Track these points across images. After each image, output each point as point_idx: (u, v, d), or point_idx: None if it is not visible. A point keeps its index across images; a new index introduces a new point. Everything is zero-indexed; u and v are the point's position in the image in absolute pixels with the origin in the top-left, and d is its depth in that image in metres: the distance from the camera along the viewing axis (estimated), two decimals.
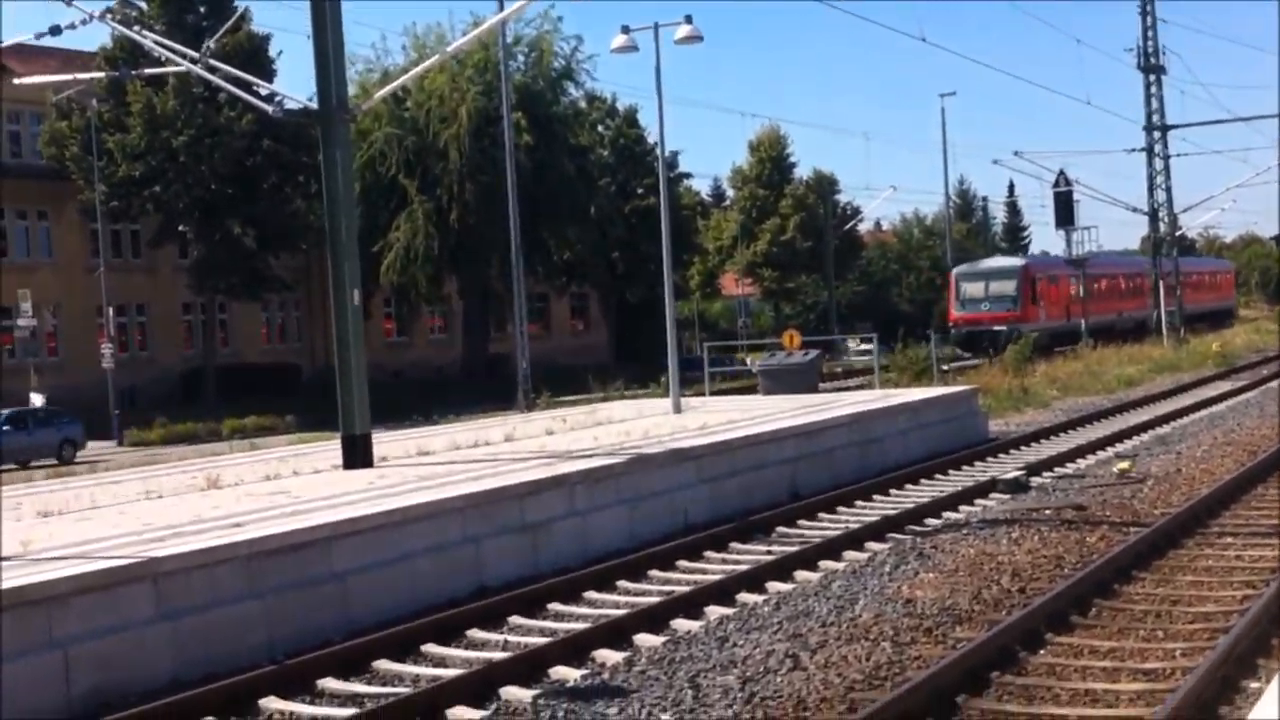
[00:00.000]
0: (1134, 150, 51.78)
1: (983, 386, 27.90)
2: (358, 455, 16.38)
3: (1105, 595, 11.18)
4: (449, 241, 49.86)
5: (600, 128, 63.48)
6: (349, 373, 16.30)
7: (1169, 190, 51.34)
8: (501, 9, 30.40)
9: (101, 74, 38.46)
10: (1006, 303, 48.52)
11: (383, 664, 10.39)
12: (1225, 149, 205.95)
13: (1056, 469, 19.44)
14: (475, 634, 11.27)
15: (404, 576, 12.16)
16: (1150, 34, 50.08)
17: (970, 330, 48.94)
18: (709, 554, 14.44)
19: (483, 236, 48.71)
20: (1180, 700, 7.84)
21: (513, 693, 9.35)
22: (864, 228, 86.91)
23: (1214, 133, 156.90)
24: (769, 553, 14.29)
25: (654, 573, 13.57)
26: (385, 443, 18.91)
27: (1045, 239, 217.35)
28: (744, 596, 12.11)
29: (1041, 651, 9.64)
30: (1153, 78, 50.28)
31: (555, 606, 12.22)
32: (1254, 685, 8.40)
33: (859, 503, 17.42)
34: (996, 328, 46.01)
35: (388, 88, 28.04)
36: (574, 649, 10.36)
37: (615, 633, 10.81)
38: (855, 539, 14.52)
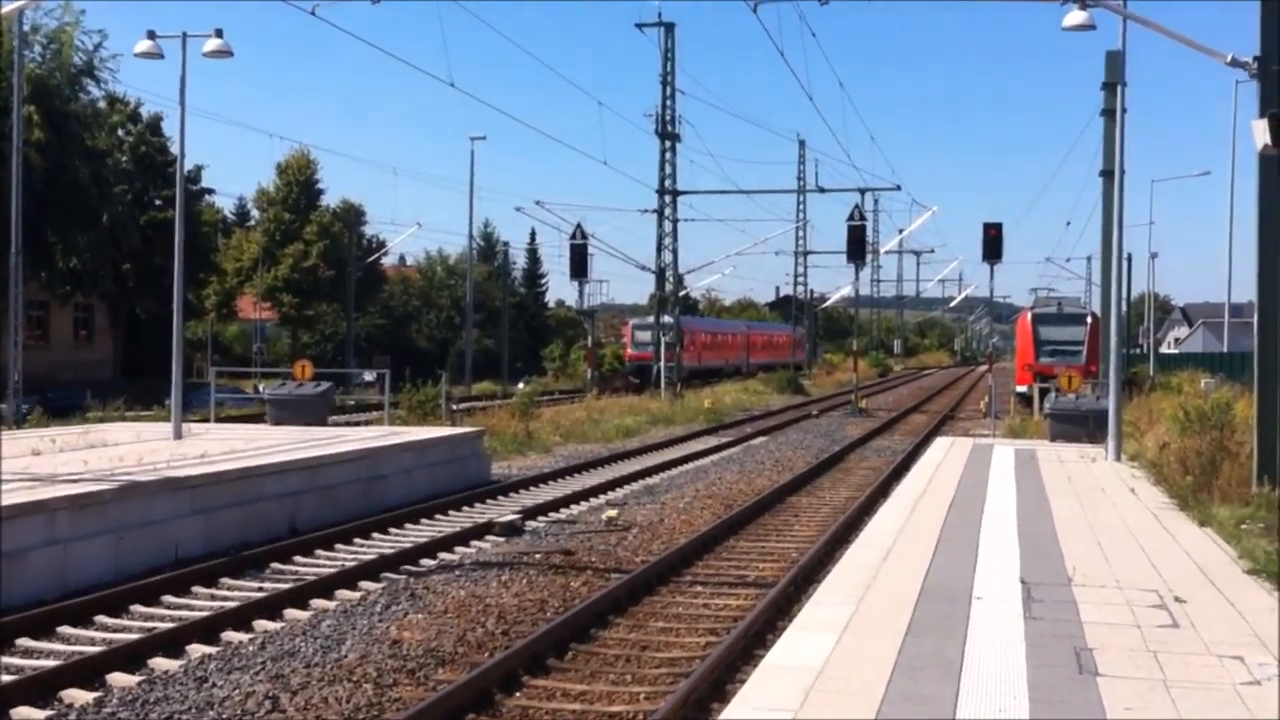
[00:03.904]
0: (646, 211, 54.84)
1: (489, 429, 28.56)
2: None
3: (582, 639, 11.78)
4: None
5: (121, 132, 60.46)
6: None
7: (675, 252, 54.48)
8: None
9: None
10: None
11: None
12: (728, 218, 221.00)
13: (551, 514, 20.21)
14: None
15: None
16: (669, 103, 53.08)
17: (640, 364, 64.32)
18: (197, 589, 14.10)
19: None
20: None
21: None
22: (388, 261, 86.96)
23: (719, 201, 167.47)
24: (260, 589, 14.11)
25: (136, 608, 13.12)
26: None
27: (562, 288, 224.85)
28: (229, 635, 11.92)
29: (517, 694, 10.06)
30: (668, 144, 53.25)
31: (24, 642, 11.60)
32: None
33: (358, 541, 17.47)
34: (657, 364, 59.92)
35: None
36: (40, 688, 9.88)
37: (88, 671, 10.38)
38: (349, 577, 14.55)
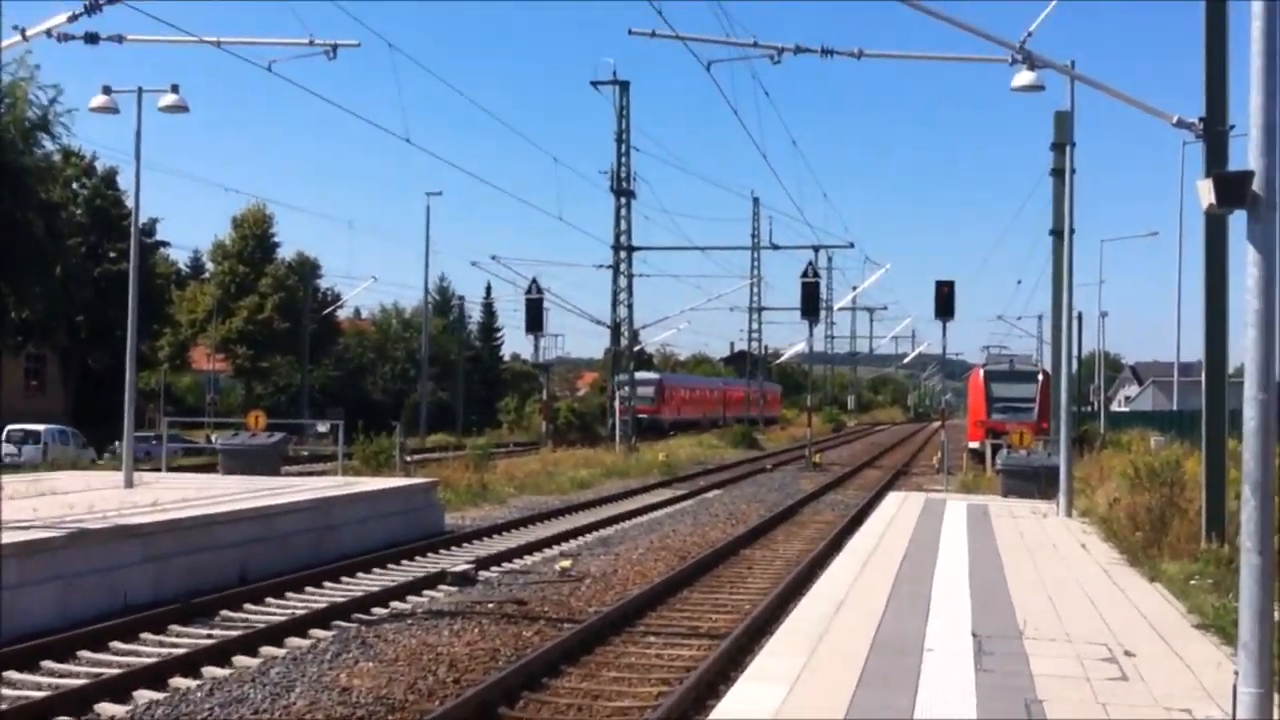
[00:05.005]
0: (602, 266, 55.05)
1: (444, 480, 28.46)
2: None
3: (534, 688, 11.73)
4: None
5: (75, 185, 60.20)
6: None
7: (631, 307, 54.66)
8: None
9: None
10: (648, 400, 72.10)
11: None
12: (683, 274, 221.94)
13: (504, 564, 20.13)
14: None
15: None
16: (624, 160, 53.39)
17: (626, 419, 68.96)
18: (146, 636, 13.97)
19: None
20: None
21: None
22: (343, 314, 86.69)
23: (674, 257, 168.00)
24: (209, 636, 13.99)
25: (84, 654, 12.98)
26: None
27: (517, 342, 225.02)
28: (177, 681, 11.80)
29: None
30: (623, 201, 53.52)
31: None
32: None
33: (310, 589, 17.36)
34: (641, 415, 64.98)
35: None
36: None
37: (31, 716, 10.27)
38: (300, 625, 14.46)
